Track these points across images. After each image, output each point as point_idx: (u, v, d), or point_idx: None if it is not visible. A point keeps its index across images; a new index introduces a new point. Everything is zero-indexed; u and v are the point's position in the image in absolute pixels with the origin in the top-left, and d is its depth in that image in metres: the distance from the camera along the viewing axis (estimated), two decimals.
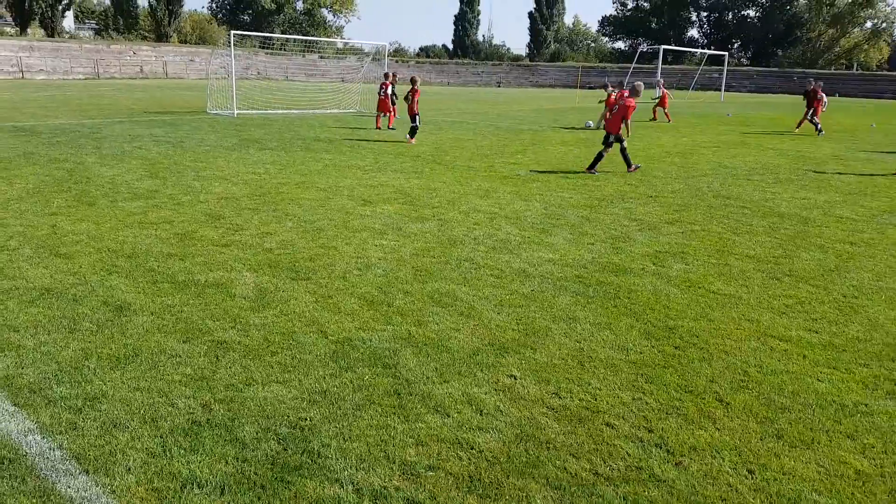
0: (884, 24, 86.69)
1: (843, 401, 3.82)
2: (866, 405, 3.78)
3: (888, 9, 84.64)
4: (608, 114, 12.15)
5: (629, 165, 11.96)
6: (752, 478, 3.08)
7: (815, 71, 76.80)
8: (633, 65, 47.25)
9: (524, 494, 2.90)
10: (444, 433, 3.35)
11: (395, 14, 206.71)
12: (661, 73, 40.95)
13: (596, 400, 3.75)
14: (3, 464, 2.98)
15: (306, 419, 3.44)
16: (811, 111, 20.76)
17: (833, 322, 5.04)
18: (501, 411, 3.58)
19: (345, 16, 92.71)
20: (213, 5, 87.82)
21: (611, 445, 3.30)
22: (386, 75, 19.86)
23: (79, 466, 2.99)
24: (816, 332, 4.82)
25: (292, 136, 16.86)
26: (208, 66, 31.78)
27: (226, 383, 3.80)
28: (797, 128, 21.58)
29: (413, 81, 16.78)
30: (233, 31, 24.00)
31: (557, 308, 5.15)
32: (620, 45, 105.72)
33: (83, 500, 2.77)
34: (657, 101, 25.51)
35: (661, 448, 3.29)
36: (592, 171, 11.85)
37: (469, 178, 11.07)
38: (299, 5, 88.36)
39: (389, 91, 19.28)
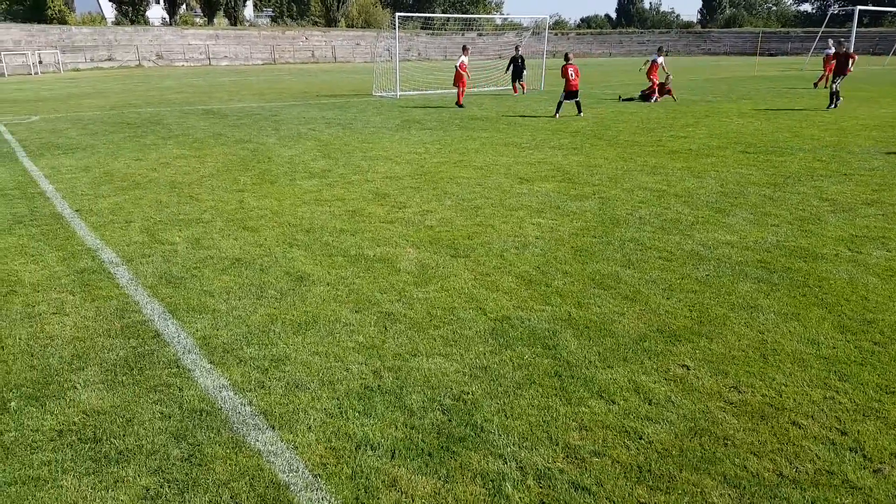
0: None
1: None
2: None
3: None
4: None
5: None
6: None
7: None
8: (822, 29, 42.42)
9: (699, 490, 2.70)
10: (609, 420, 3.21)
11: None
12: (854, 37, 36.29)
13: (781, 396, 3.40)
14: (202, 416, 3.31)
15: (469, 393, 3.47)
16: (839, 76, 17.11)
17: None
18: (673, 402, 3.36)
19: None
20: None
21: (797, 446, 2.97)
22: (464, 48, 19.82)
23: (266, 422, 3.24)
24: None
25: (450, 115, 17.13)
26: (374, 49, 33.19)
27: (393, 352, 3.94)
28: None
29: (566, 58, 16.62)
30: (397, 14, 24.77)
31: (737, 295, 4.74)
32: (807, 7, 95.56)
33: (269, 454, 2.99)
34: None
35: (856, 452, 2.92)
36: None
37: (633, 154, 10.57)
38: None
39: (466, 60, 19.04)
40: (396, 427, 3.17)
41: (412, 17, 52.05)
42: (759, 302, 4.62)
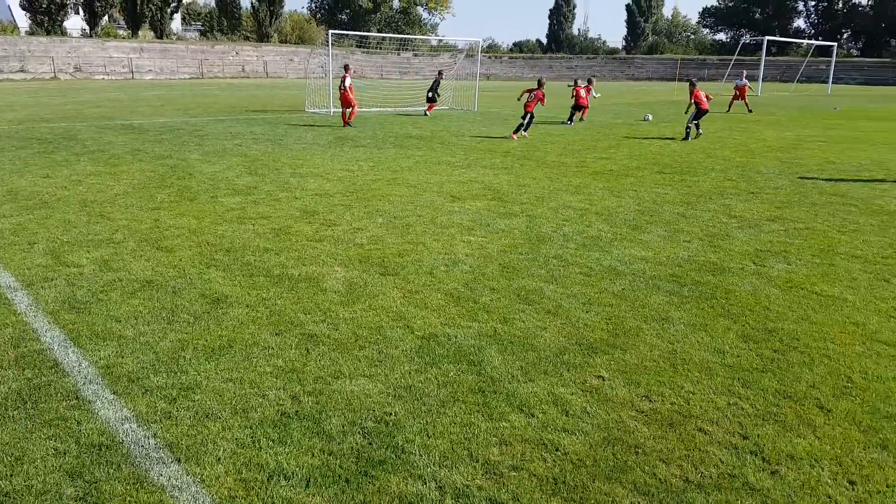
0: None
1: None
2: None
3: None
4: None
5: None
6: (854, 489, 2.87)
7: None
8: (735, 57, 45.00)
9: (610, 500, 2.81)
10: (528, 433, 3.30)
11: (489, 10, 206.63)
12: (763, 65, 38.77)
13: (688, 404, 3.58)
14: (101, 450, 3.13)
15: (391, 414, 3.48)
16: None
17: None
18: (588, 413, 3.48)
19: (440, 13, 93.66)
20: (313, 5, 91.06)
21: (703, 451, 3.14)
22: (346, 67, 19.05)
23: (171, 455, 3.12)
24: None
25: (385, 133, 17.18)
26: (307, 65, 32.95)
27: (315, 376, 3.90)
28: None
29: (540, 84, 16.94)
30: (331, 31, 24.73)
31: (650, 308, 4.96)
32: (722, 36, 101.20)
33: (174, 489, 2.88)
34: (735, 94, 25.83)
35: (756, 455, 3.11)
36: None
37: (560, 174, 10.89)
38: (396, 4, 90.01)
39: (348, 83, 18.46)
40: (313, 454, 3.13)
41: (346, 34, 52.01)
42: (671, 314, 4.85)
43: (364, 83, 33.29)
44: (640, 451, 3.15)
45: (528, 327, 4.60)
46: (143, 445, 3.18)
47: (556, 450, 3.16)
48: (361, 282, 5.52)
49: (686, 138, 16.03)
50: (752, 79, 30.16)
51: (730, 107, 25.79)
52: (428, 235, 7.01)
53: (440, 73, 24.77)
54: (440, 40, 67.56)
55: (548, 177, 10.65)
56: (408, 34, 73.47)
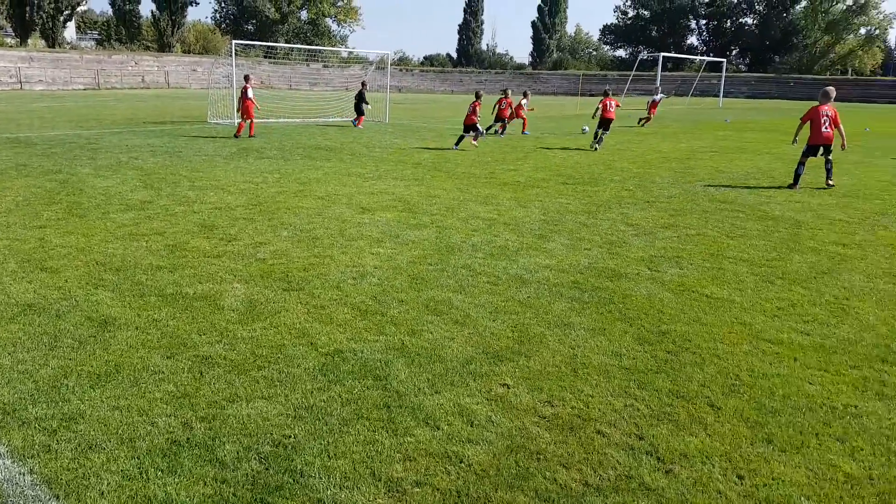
0: (877, 31, 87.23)
1: (833, 403, 3.76)
2: (856, 407, 3.72)
3: (881, 16, 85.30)
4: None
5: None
6: (742, 484, 3.00)
7: (812, 76, 77.32)
8: (634, 72, 47.27)
9: None
10: (433, 447, 3.25)
11: (400, 24, 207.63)
12: (660, 80, 40.90)
13: (588, 407, 3.65)
14: None
15: (290, 436, 3.34)
16: None
17: (824, 324, 4.97)
18: (493, 422, 3.48)
19: (349, 25, 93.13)
20: (217, 15, 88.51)
21: (601, 454, 3.20)
22: (246, 77, 18.31)
23: (49, 492, 2.87)
24: (808, 335, 4.75)
25: (293, 144, 16.83)
26: (210, 75, 31.89)
27: (208, 400, 3.70)
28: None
29: (478, 95, 17.12)
30: (234, 41, 24.08)
31: (553, 314, 5.05)
32: (621, 53, 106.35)
33: None
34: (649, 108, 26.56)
35: (651, 456, 3.20)
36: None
37: (469, 185, 11.00)
38: (304, 15, 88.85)
39: (251, 94, 17.87)
40: (205, 483, 2.95)
41: (252, 45, 50.89)
42: (572, 319, 4.96)
43: (272, 94, 32.60)
44: (541, 457, 3.17)
45: (436, 338, 4.57)
46: (17, 483, 2.91)
47: (461, 462, 3.13)
48: (263, 298, 5.32)
49: (595, 144, 16.83)
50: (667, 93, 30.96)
51: (647, 122, 25.93)
52: (335, 248, 6.88)
53: (364, 84, 24.60)
54: (350, 52, 67.18)
55: (458, 188, 10.74)
56: (317, 45, 72.64)
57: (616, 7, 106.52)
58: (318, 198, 9.62)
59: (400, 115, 30.73)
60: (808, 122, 11.21)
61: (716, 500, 2.88)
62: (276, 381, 3.93)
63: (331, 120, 25.96)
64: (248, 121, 18.07)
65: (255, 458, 3.15)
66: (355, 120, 23.61)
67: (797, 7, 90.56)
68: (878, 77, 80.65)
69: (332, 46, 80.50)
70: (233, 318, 4.88)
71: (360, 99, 23.67)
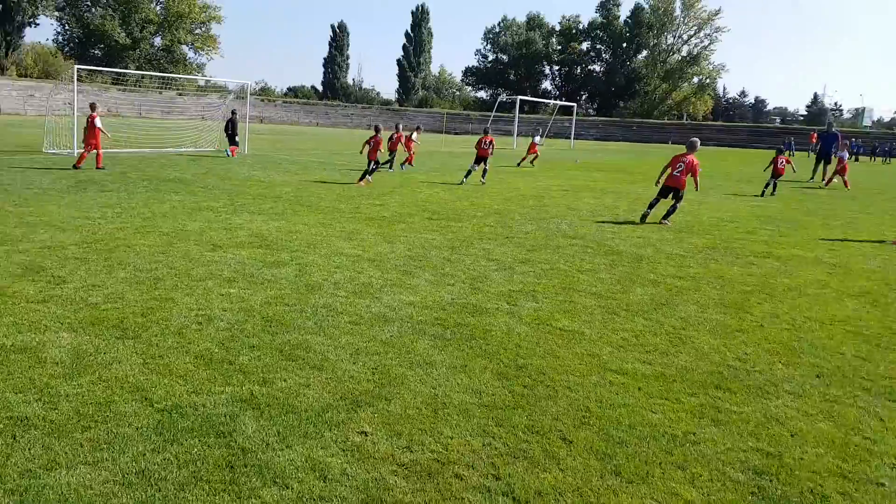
0: (708, 80, 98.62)
1: (674, 431, 3.92)
2: (694, 434, 3.90)
3: (711, 66, 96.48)
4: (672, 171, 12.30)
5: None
6: None
7: (652, 121, 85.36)
8: (494, 113, 49.43)
9: None
10: None
11: (262, 54, 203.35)
12: (517, 122, 43.03)
13: (447, 450, 3.54)
14: None
15: None
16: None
17: (664, 353, 5.24)
18: (348, 475, 3.27)
19: (207, 54, 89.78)
20: (60, 38, 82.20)
21: (459, 499, 3.10)
22: (92, 106, 17.09)
23: None
24: (650, 364, 4.98)
25: (139, 176, 15.71)
26: (48, 101, 29.27)
27: (21, 469, 3.19)
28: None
29: (377, 129, 17.10)
30: (77, 66, 22.31)
31: (415, 353, 4.94)
32: (482, 94, 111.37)
33: None
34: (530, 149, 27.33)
35: (507, 496, 3.16)
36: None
37: (333, 220, 10.75)
38: (157, 41, 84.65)
39: (99, 123, 16.83)
40: None
41: (98, 70, 47.41)
42: (434, 357, 4.88)
43: (119, 122, 30.47)
44: None
45: (290, 386, 4.28)
46: None
47: None
48: (92, 349, 4.76)
49: (465, 178, 17.75)
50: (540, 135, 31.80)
51: (523, 161, 26.65)
52: (179, 290, 6.36)
53: (234, 112, 24.03)
54: (208, 80, 64.53)
55: (321, 223, 10.45)
56: (171, 73, 69.25)
57: (477, 50, 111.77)
58: (162, 234, 8.95)
59: (261, 146, 29.81)
60: (668, 167, 12.38)
61: None
62: (104, 444, 3.47)
63: (183, 150, 24.64)
64: (94, 151, 16.73)
65: None
66: (228, 150, 23.04)
67: (639, 57, 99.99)
68: (710, 122, 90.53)
69: (188, 74, 77.12)
70: (56, 373, 4.31)
71: (232, 128, 23.21)
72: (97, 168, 16.58)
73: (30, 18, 72.86)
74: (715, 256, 9.26)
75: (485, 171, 18.02)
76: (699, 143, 12.72)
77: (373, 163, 16.70)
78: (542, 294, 6.83)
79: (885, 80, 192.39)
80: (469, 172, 17.92)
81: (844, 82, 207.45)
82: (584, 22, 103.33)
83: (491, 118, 50.21)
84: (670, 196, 12.31)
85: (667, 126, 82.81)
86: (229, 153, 23.04)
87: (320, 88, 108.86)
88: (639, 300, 6.80)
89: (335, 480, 3.21)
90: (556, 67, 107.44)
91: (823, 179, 23.59)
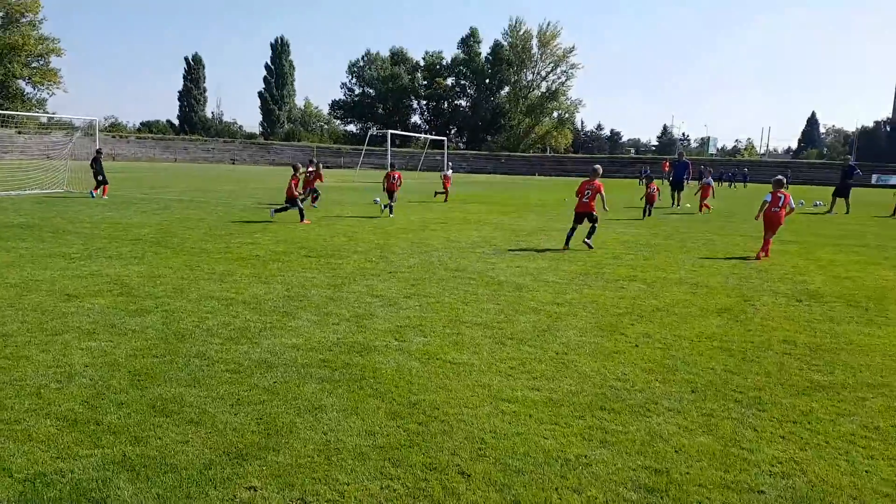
0: (567, 114, 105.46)
1: (566, 455, 4.04)
2: (586, 456, 4.03)
3: (568, 101, 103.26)
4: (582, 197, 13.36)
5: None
6: None
7: (519, 154, 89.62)
8: (366, 147, 49.69)
9: None
10: None
11: (110, 88, 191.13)
12: (390, 155, 43.51)
13: (343, 497, 3.46)
14: None
15: None
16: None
17: (550, 378, 5.41)
18: None
19: (47, 89, 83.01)
20: None
21: None
22: None
23: None
24: (538, 390, 5.12)
25: None
26: None
27: None
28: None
29: (295, 168, 17.48)
30: None
31: (303, 399, 4.78)
32: (352, 127, 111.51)
33: None
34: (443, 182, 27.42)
35: None
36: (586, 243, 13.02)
37: (201, 262, 10.24)
38: None
39: None
40: None
41: None
42: (323, 401, 4.75)
43: None
44: None
45: (166, 444, 4.00)
46: None
47: None
48: None
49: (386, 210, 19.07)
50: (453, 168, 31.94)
51: (441, 194, 26.74)
52: (33, 346, 5.78)
53: (99, 150, 23.19)
54: (51, 117, 59.64)
55: (187, 265, 9.92)
56: (7, 110, 63.34)
57: (343, 84, 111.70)
58: (9, 286, 8.12)
59: (115, 185, 27.90)
60: (578, 195, 13.60)
61: None
62: None
63: (27, 192, 22.53)
64: None
65: None
66: (92, 191, 21.94)
67: (502, 93, 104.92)
68: (571, 154, 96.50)
69: (27, 111, 70.87)
70: None
71: (96, 167, 22.15)
72: None
73: None
74: (588, 282, 9.74)
75: (391, 205, 19.32)
76: (601, 169, 14.04)
77: (291, 201, 16.71)
78: (430, 328, 6.86)
79: (725, 109, 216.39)
80: (388, 205, 19.23)
81: (690, 113, 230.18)
82: (448, 58, 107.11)
83: (363, 152, 50.38)
84: (584, 220, 13.44)
85: (532, 158, 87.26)
86: (93, 194, 21.65)
87: (177, 123, 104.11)
88: (522, 328, 6.98)
89: None
90: (424, 102, 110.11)
91: (677, 205, 25.35)
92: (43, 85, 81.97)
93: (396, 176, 20.15)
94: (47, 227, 13.87)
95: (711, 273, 10.82)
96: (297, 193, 16.79)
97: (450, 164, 31.79)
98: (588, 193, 13.37)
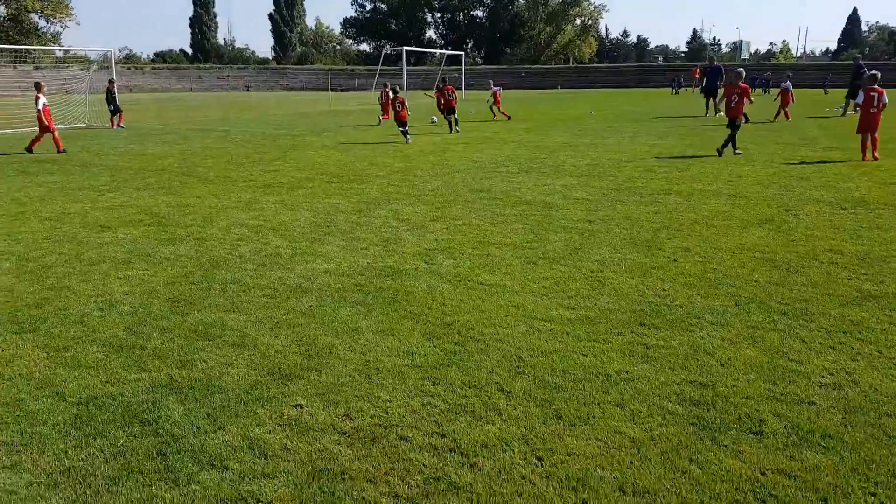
0: (590, 21, 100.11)
1: (607, 371, 4.03)
2: (627, 371, 4.03)
3: (591, 7, 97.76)
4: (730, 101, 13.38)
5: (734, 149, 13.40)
6: (542, 465, 3.10)
7: (540, 66, 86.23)
8: (380, 67, 48.46)
9: None
10: (223, 491, 2.91)
11: (122, 19, 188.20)
12: (406, 74, 42.42)
13: (387, 414, 3.56)
14: None
15: None
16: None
17: (586, 297, 5.35)
18: (289, 449, 3.23)
19: (60, 21, 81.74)
20: None
21: (407, 460, 3.13)
22: (37, 85, 15.89)
23: None
24: (574, 308, 5.09)
25: (6, 159, 14.33)
26: None
27: None
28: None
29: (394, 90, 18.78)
30: None
31: (339, 321, 4.88)
32: (365, 47, 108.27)
33: None
34: (491, 101, 26.16)
35: (455, 452, 3.19)
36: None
37: (227, 190, 10.29)
38: (2, 11, 76.33)
39: (41, 105, 15.59)
40: None
41: None
42: (359, 324, 4.84)
43: None
44: (346, 476, 3.01)
45: (211, 366, 4.14)
46: None
47: (258, 501, 2.84)
48: None
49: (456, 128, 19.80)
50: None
51: (502, 113, 25.77)
52: (73, 276, 5.93)
53: (111, 81, 23.18)
54: (66, 51, 58.93)
55: (213, 194, 9.98)
56: (22, 45, 62.74)
57: (353, 0, 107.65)
58: (43, 219, 8.26)
59: (134, 116, 27.87)
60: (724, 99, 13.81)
61: (521, 487, 2.94)
62: (20, 445, 3.25)
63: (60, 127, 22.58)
64: (49, 133, 15.43)
65: None
66: (118, 124, 22.36)
67: (520, 0, 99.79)
68: (595, 64, 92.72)
69: (42, 45, 70.20)
70: None
71: (111, 99, 22.49)
72: (59, 150, 15.31)
73: None
74: (620, 197, 9.51)
75: (455, 119, 19.95)
76: (744, 72, 14.16)
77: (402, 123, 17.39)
78: (458, 250, 6.84)
79: (760, 12, 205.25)
80: (453, 122, 19.83)
81: (721, 17, 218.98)
82: None
83: (378, 72, 49.20)
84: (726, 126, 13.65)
85: (555, 70, 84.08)
86: (121, 126, 22.01)
87: (190, 51, 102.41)
88: (554, 247, 6.89)
89: (276, 456, 3.18)
90: (439, 14, 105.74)
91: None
92: (55, 18, 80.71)
93: (451, 90, 20.51)
94: (74, 161, 13.97)
95: (750, 183, 10.45)
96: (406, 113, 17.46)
97: (493, 81, 30.51)
98: (735, 99, 13.23)
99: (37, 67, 57.54)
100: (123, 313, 5.04)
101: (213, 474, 3.03)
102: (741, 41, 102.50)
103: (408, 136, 17.42)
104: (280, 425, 3.45)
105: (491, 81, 30.32)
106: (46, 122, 15.51)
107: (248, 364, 4.18)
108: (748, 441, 3.27)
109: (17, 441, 3.29)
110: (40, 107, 15.50)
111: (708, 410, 3.56)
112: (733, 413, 3.53)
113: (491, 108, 26.17)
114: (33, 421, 3.48)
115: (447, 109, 20.32)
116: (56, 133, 15.67)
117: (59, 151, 15.23)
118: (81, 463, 3.11)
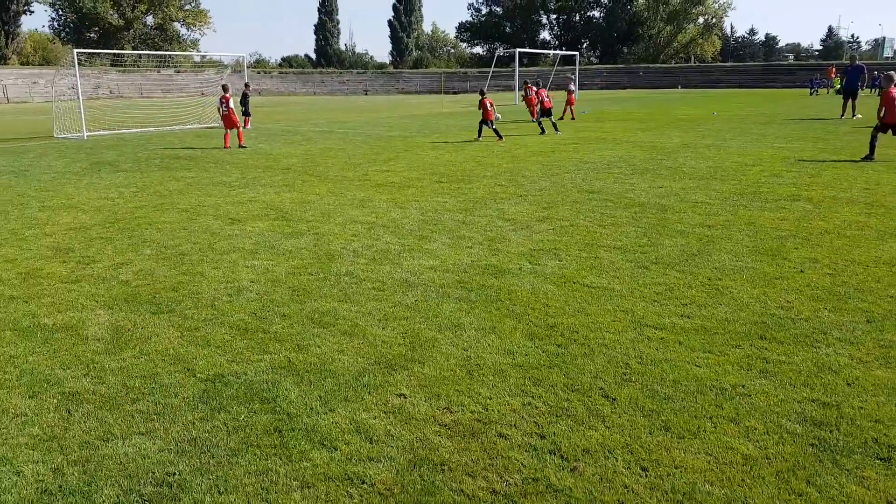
0: (714, 19, 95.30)
1: (721, 384, 3.84)
2: (743, 386, 3.82)
3: (716, 5, 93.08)
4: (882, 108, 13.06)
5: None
6: (647, 475, 3.02)
7: (660, 65, 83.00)
8: (493, 69, 48.61)
9: None
10: (332, 470, 3.09)
11: (253, 25, 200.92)
12: (518, 74, 42.30)
13: (487, 410, 3.62)
14: None
15: (174, 473, 3.06)
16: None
17: (702, 305, 5.12)
18: (392, 436, 3.38)
19: (199, 29, 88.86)
20: (55, 24, 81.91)
21: (505, 458, 3.17)
22: (224, 87, 18.01)
23: None
24: (688, 317, 4.88)
25: (149, 155, 15.74)
26: (52, 87, 29.19)
27: (80, 441, 3.33)
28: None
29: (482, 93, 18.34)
30: (76, 50, 22.18)
31: (442, 316, 5.01)
32: (479, 50, 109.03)
33: None
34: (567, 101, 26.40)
35: (555, 454, 3.18)
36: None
37: (343, 189, 10.77)
38: (150, 20, 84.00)
39: (231, 104, 17.68)
40: None
41: (96, 53, 47.12)
42: (462, 320, 4.93)
43: (121, 103, 30.35)
44: (446, 468, 3.11)
45: (325, 352, 4.39)
46: None
47: (363, 482, 3.00)
48: (130, 325, 4.88)
49: (542, 132, 19.91)
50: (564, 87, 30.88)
51: (563, 115, 25.75)
52: (206, 263, 6.46)
53: (247, 85, 24.77)
54: (203, 56, 63.89)
55: (331, 192, 10.48)
56: (166, 51, 68.70)
57: (469, 4, 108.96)
58: (181, 210, 9.02)
59: (262, 118, 29.67)
60: (885, 105, 13.05)
61: (623, 496, 2.88)
62: (154, 415, 3.60)
63: (188, 127, 24.56)
64: (234, 129, 17.52)
65: (137, 502, 2.86)
66: (244, 125, 23.63)
67: (639, 0, 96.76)
68: (719, 63, 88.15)
69: (183, 51, 76.53)
70: (99, 349, 4.44)
71: (244, 101, 23.89)
72: (240, 146, 17.28)
73: (24, 6, 72.46)
74: (743, 202, 9.04)
75: (553, 122, 20.17)
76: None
77: (489, 123, 17.85)
78: (565, 251, 6.77)
79: None
80: (553, 125, 20.11)
81: (860, 13, 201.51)
82: None
83: (490, 74, 49.42)
84: (889, 132, 13.05)
85: (674, 69, 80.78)
86: (247, 126, 23.50)
87: (314, 56, 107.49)
88: (668, 252, 6.64)
89: (381, 441, 3.33)
90: (554, 16, 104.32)
91: (854, 116, 22.15)
92: (195, 26, 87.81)
93: (545, 94, 20.43)
94: (209, 159, 15.13)
95: (889, 192, 9.57)
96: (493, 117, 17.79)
97: (572, 80, 30.14)
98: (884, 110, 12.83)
99: (177, 71, 62.73)
100: (249, 299, 5.43)
101: (323, 453, 3.22)
102: (883, 38, 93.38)
103: (499, 134, 18.15)
104: (385, 412, 3.61)
105: (572, 79, 29.76)
106: (234, 120, 17.55)
107: (356, 352, 4.38)
108: (874, 467, 3.04)
109: (151, 410, 3.65)
110: (231, 105, 17.54)
111: (831, 432, 3.33)
112: (859, 436, 3.28)
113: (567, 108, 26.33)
114: (166, 393, 3.85)
115: (543, 111, 20.21)
116: (240, 130, 17.85)
117: (240, 146, 17.37)
118: (206, 434, 3.41)
